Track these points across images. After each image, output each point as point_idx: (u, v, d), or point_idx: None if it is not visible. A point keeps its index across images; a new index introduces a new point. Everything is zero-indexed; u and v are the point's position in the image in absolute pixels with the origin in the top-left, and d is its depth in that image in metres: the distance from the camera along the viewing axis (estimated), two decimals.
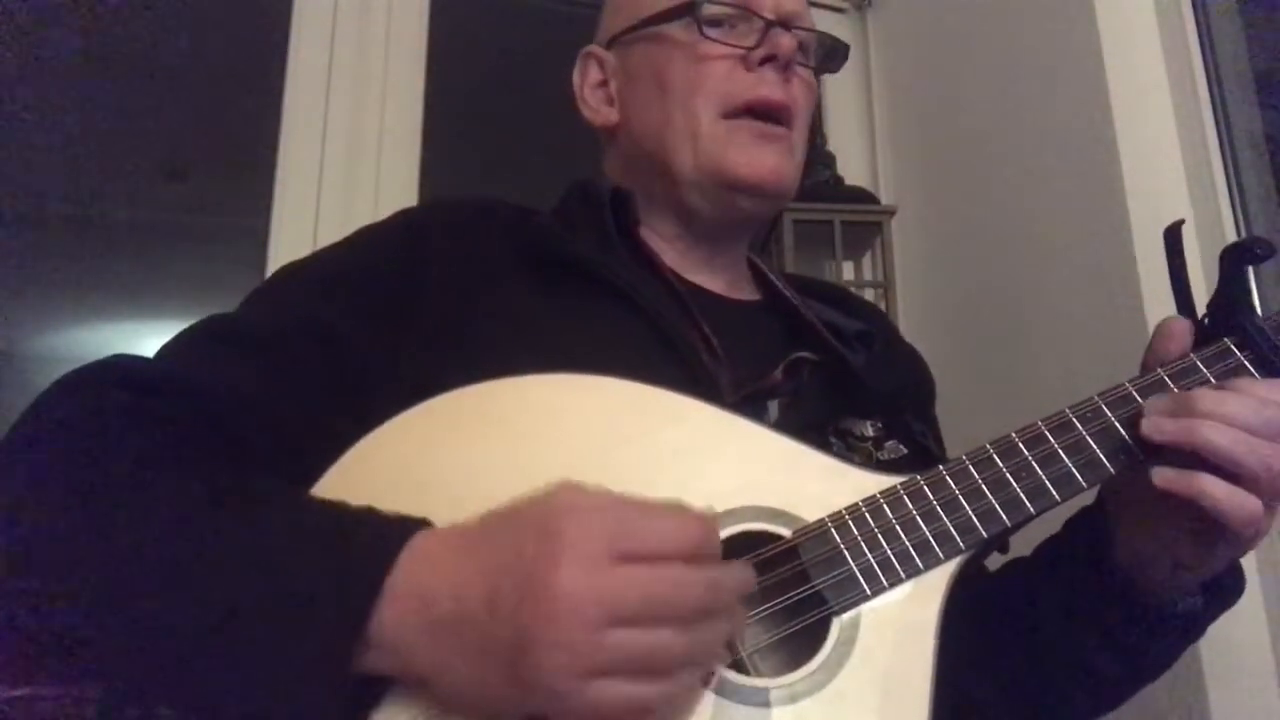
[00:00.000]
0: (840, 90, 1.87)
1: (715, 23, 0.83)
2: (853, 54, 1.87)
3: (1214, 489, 0.62)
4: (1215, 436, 0.62)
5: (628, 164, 0.89)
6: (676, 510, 0.53)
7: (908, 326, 1.63)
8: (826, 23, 1.87)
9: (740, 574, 0.54)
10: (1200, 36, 1.24)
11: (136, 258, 3.72)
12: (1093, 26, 1.25)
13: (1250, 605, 1.05)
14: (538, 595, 0.47)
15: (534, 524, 0.50)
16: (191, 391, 0.65)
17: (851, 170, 1.77)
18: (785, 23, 0.84)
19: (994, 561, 0.85)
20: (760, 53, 0.82)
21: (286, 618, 0.51)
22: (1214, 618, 0.74)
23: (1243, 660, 1.02)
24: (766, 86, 0.82)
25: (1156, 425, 0.65)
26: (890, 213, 1.69)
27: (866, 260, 1.76)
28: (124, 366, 0.67)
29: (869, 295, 1.71)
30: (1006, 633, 0.78)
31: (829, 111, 1.85)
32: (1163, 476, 0.64)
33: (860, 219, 1.68)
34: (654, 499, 0.54)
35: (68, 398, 0.64)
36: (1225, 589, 0.73)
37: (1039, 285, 1.33)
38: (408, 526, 0.53)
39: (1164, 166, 1.20)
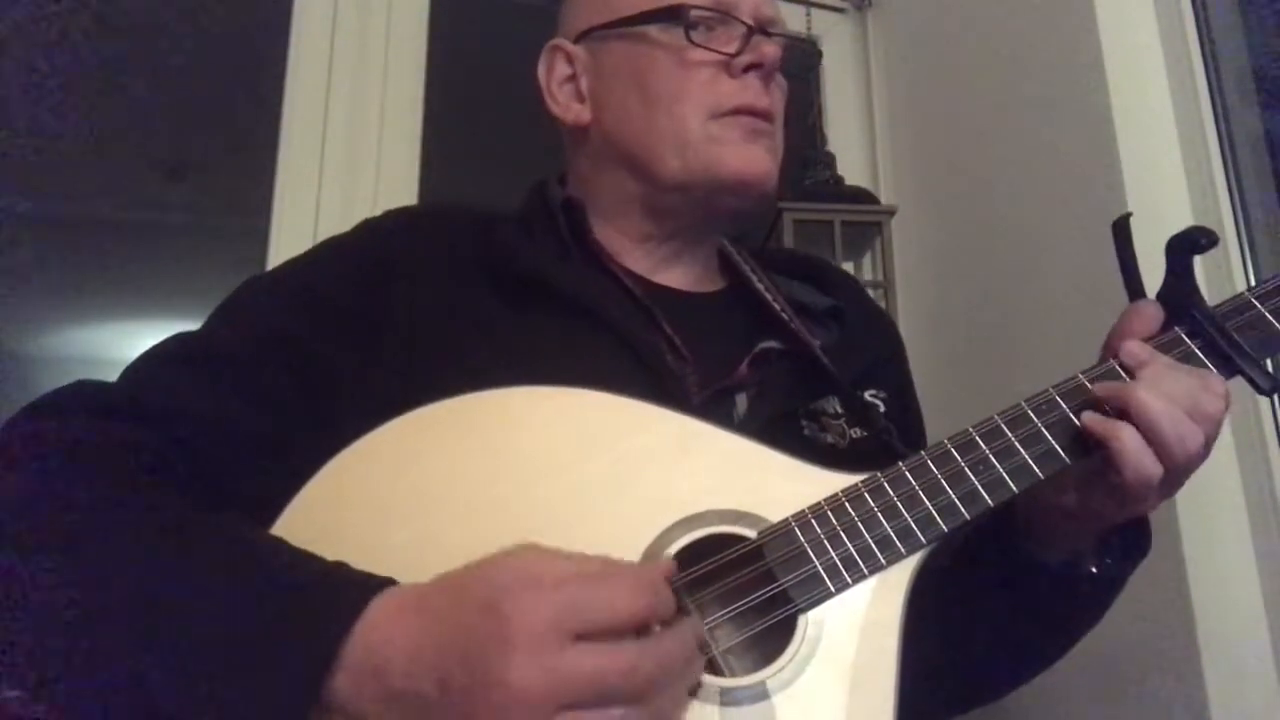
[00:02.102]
0: (840, 90, 1.87)
1: (695, 26, 0.82)
2: (853, 54, 1.89)
3: (1128, 437, 0.64)
4: (1149, 399, 0.64)
5: (598, 163, 0.87)
6: (628, 578, 0.53)
7: (908, 326, 1.63)
8: (826, 23, 1.87)
9: (690, 632, 0.54)
10: (1200, 36, 1.24)
11: (136, 258, 3.73)
12: (1093, 27, 1.25)
13: (1250, 603, 1.05)
14: (487, 681, 0.47)
15: (482, 603, 0.50)
16: (156, 416, 0.65)
17: (851, 170, 1.77)
18: (764, 28, 0.83)
19: None
20: (745, 60, 0.82)
21: (240, 678, 0.50)
22: (1125, 575, 0.75)
23: (1242, 658, 1.03)
24: (751, 94, 0.82)
25: (1102, 386, 0.68)
26: (890, 213, 1.69)
27: (866, 260, 1.76)
28: (87, 393, 0.67)
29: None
30: (944, 608, 0.78)
31: (829, 111, 1.85)
32: (1089, 419, 0.67)
33: (860, 219, 1.68)
34: (611, 560, 0.54)
35: (30, 426, 0.64)
36: (1130, 548, 0.74)
37: (1039, 285, 1.33)
38: (365, 590, 0.53)
39: (1164, 166, 1.21)
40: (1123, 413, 0.65)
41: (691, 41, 0.81)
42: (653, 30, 0.83)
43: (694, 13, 0.82)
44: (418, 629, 0.50)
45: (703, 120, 0.81)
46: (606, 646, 0.49)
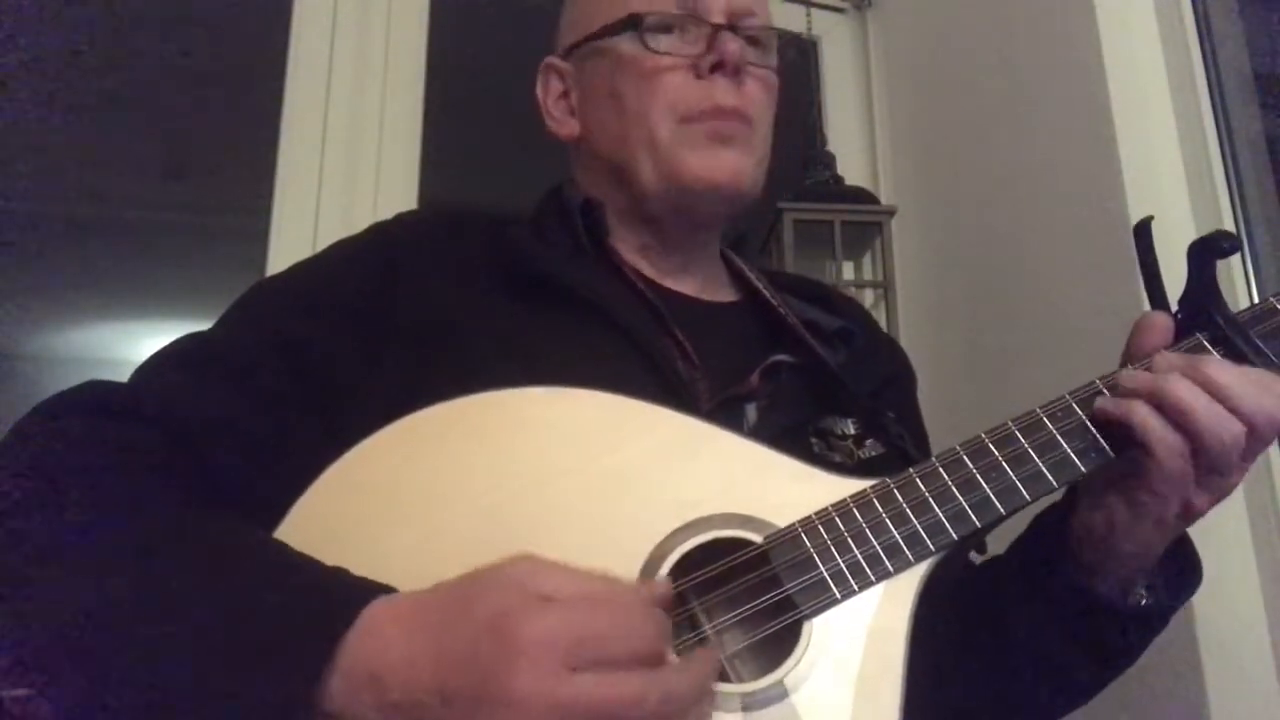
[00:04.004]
0: (840, 90, 1.87)
1: (665, 29, 0.82)
2: (853, 54, 1.89)
3: (1147, 416, 0.63)
4: (1182, 391, 0.63)
5: (592, 175, 0.88)
6: (638, 609, 0.52)
7: (908, 326, 1.64)
8: (826, 23, 1.88)
9: (705, 668, 0.54)
10: (1200, 36, 1.24)
11: (136, 258, 3.73)
12: (1093, 27, 1.25)
13: (1250, 604, 1.05)
14: (490, 699, 0.47)
15: (487, 619, 0.49)
16: (163, 418, 0.65)
17: (851, 170, 1.76)
18: (734, 24, 0.82)
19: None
20: (709, 60, 0.81)
21: (233, 682, 0.50)
22: (1173, 610, 0.74)
23: (1242, 659, 1.03)
24: (719, 94, 0.81)
25: (1130, 375, 0.66)
26: (890, 213, 1.69)
27: (866, 260, 1.76)
28: (97, 394, 0.67)
29: (869, 295, 1.72)
30: (978, 630, 0.78)
31: (829, 111, 1.85)
32: (1101, 404, 0.66)
33: (860, 219, 1.68)
34: (612, 580, 0.54)
35: (39, 426, 0.64)
36: (1180, 581, 0.74)
37: (1038, 285, 1.33)
38: (361, 596, 0.52)
39: (1164, 167, 1.21)
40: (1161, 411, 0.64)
41: (648, 49, 0.81)
42: (618, 43, 0.83)
43: (652, 19, 0.82)
44: (418, 641, 0.50)
45: (672, 126, 0.81)
46: (615, 676, 0.49)
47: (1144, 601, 0.73)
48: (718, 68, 0.81)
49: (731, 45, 0.81)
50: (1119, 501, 0.69)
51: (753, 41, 0.84)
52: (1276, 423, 0.65)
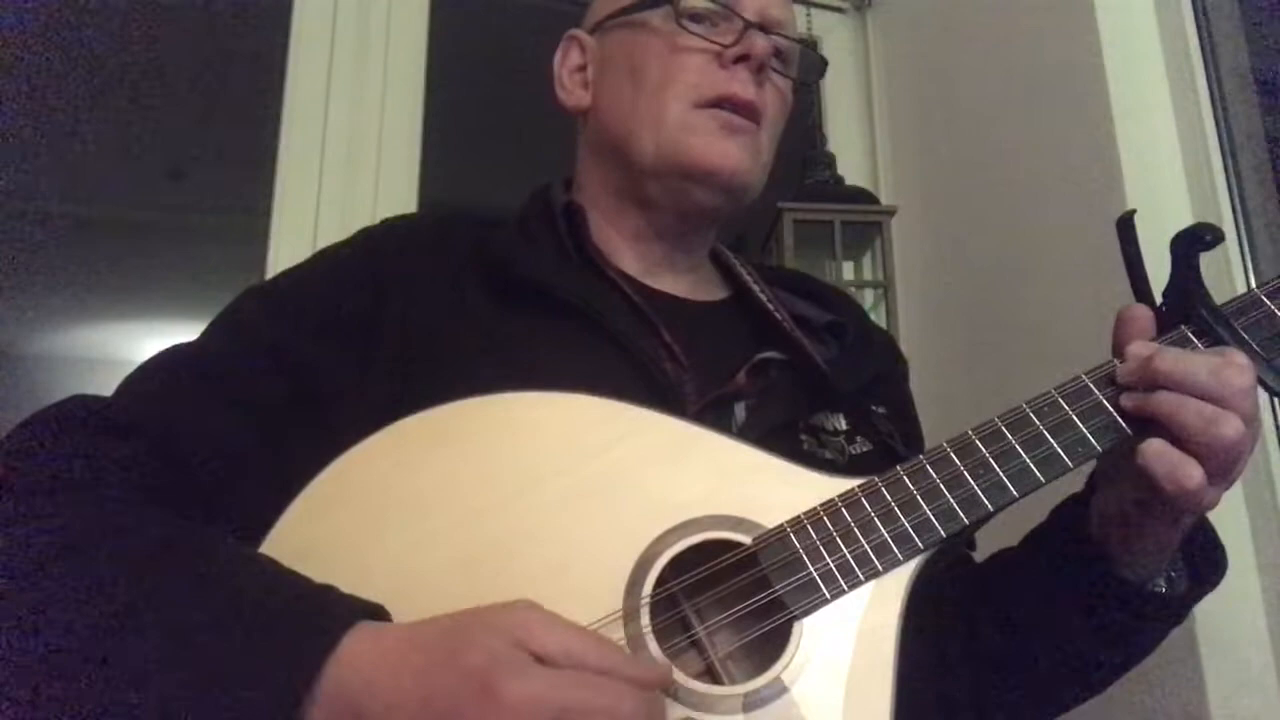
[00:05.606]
0: (840, 90, 1.87)
1: (696, 17, 0.83)
2: (853, 54, 1.89)
3: (1156, 451, 0.63)
4: (1167, 399, 0.63)
5: (593, 150, 0.89)
6: (631, 692, 0.50)
7: (908, 326, 1.64)
8: (826, 23, 1.88)
9: None
10: (1200, 36, 1.24)
11: (136, 258, 3.73)
12: (1093, 27, 1.25)
13: (1250, 604, 1.05)
14: None
15: (475, 673, 0.48)
16: (150, 432, 0.64)
17: (851, 170, 1.76)
18: (765, 27, 0.84)
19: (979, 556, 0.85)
20: (735, 51, 0.82)
21: (213, 705, 0.50)
22: (1195, 600, 0.74)
23: (1242, 658, 1.02)
24: (737, 84, 0.82)
25: (1126, 396, 0.66)
26: (890, 213, 1.69)
27: (866, 260, 1.76)
28: (82, 408, 0.66)
29: (869, 295, 1.72)
30: (987, 619, 0.78)
31: (829, 111, 1.85)
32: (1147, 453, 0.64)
33: (860, 219, 1.68)
34: (608, 647, 0.53)
35: (23, 443, 0.63)
36: (1204, 570, 0.73)
37: (1038, 285, 1.33)
38: (343, 621, 0.52)
39: (1164, 166, 1.20)
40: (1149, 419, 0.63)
41: (683, 27, 0.82)
42: (650, 16, 0.85)
43: (695, 2, 0.83)
44: (404, 683, 0.50)
45: (685, 107, 0.82)
46: None
47: (1163, 589, 0.72)
48: (742, 60, 0.82)
49: (760, 42, 0.82)
50: (1132, 505, 0.68)
51: (777, 53, 0.85)
52: (1251, 397, 0.63)
